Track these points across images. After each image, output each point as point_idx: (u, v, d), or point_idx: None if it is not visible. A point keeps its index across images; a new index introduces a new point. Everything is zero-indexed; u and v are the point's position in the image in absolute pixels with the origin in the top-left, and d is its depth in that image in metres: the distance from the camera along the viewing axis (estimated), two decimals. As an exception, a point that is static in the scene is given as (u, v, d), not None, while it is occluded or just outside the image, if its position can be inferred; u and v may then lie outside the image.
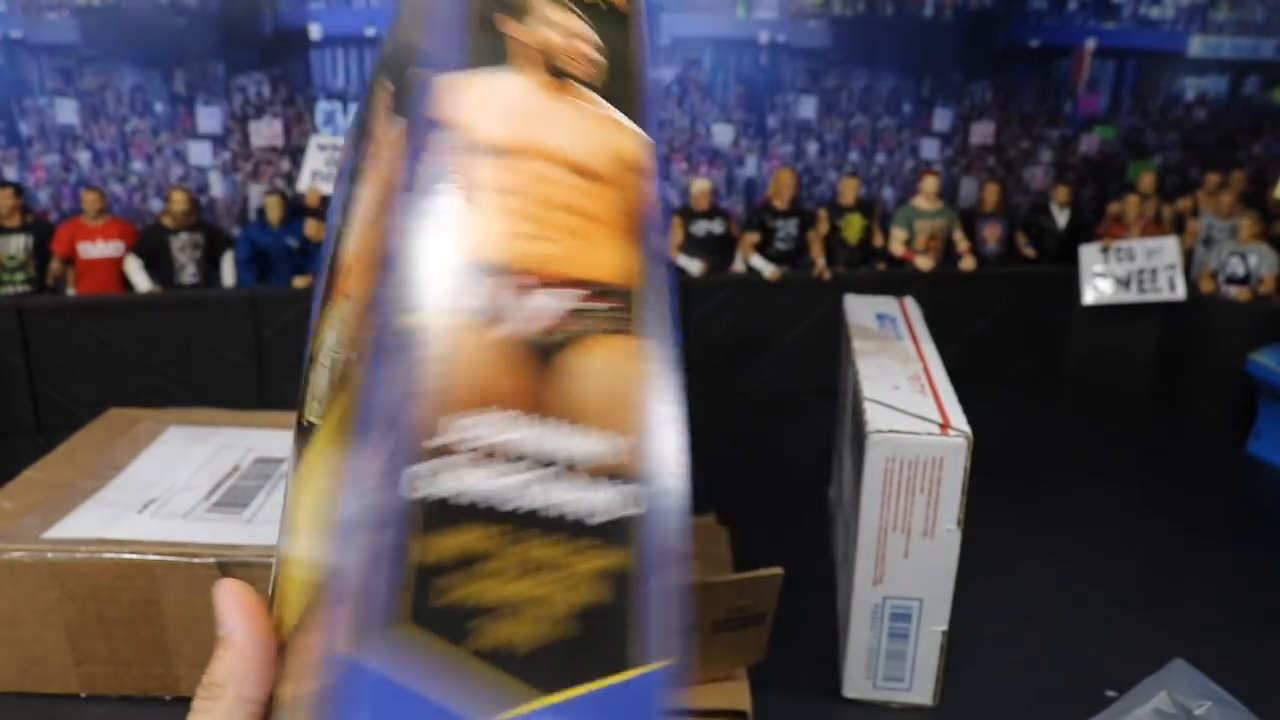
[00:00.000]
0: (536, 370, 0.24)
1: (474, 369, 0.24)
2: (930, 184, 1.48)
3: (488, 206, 0.25)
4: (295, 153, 1.48)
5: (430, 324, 0.24)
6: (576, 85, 0.27)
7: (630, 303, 0.26)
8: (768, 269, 1.43)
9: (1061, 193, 1.54)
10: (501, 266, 0.25)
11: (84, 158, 1.44)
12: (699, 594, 0.68)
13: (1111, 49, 1.62)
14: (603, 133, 0.27)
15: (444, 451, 0.23)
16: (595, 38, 0.28)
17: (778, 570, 0.69)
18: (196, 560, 0.67)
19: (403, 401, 0.23)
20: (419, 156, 0.26)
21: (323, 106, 1.49)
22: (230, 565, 0.67)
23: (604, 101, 0.27)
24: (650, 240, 0.27)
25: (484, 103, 0.26)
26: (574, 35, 0.28)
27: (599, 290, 0.25)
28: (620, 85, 0.28)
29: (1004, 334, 1.51)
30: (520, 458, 0.24)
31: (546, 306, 0.25)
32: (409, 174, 0.26)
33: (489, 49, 0.27)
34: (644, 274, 0.26)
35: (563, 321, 0.25)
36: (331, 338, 0.31)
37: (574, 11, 0.28)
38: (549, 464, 0.24)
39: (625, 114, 0.28)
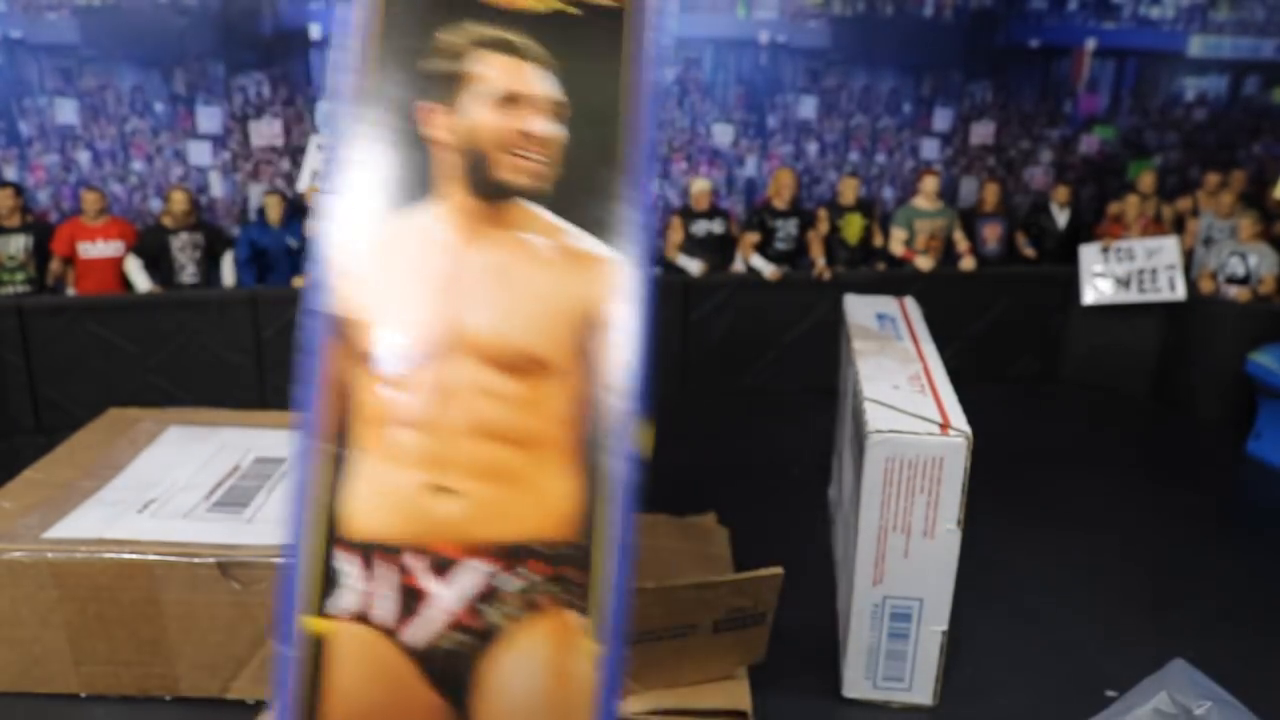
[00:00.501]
0: (453, 690, 0.18)
1: (356, 692, 0.18)
2: (930, 184, 1.48)
3: (381, 451, 0.19)
4: (295, 153, 1.48)
5: (329, 638, 0.18)
6: (517, 207, 0.21)
7: (572, 564, 0.19)
8: (768, 269, 1.43)
9: (1061, 193, 1.54)
10: (399, 544, 0.19)
11: (84, 158, 1.44)
12: (699, 594, 0.68)
13: (1111, 49, 1.62)
14: (549, 291, 0.20)
15: None
16: (552, 94, 0.21)
17: (778, 570, 0.69)
18: (197, 560, 0.67)
19: None
20: (311, 388, 0.19)
21: (323, 106, 1.49)
22: (231, 565, 0.67)
23: (553, 222, 0.20)
24: (614, 439, 0.19)
25: (384, 280, 0.20)
26: (521, 105, 0.21)
27: (530, 554, 0.19)
28: (598, 149, 0.21)
29: (1004, 334, 1.51)
30: None
31: (443, 598, 0.19)
32: (306, 413, 0.19)
33: (409, 171, 0.20)
34: (597, 512, 0.19)
35: (475, 615, 0.19)
36: None
37: (525, 57, 0.21)
38: None
39: (594, 213, 0.20)
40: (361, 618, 0.19)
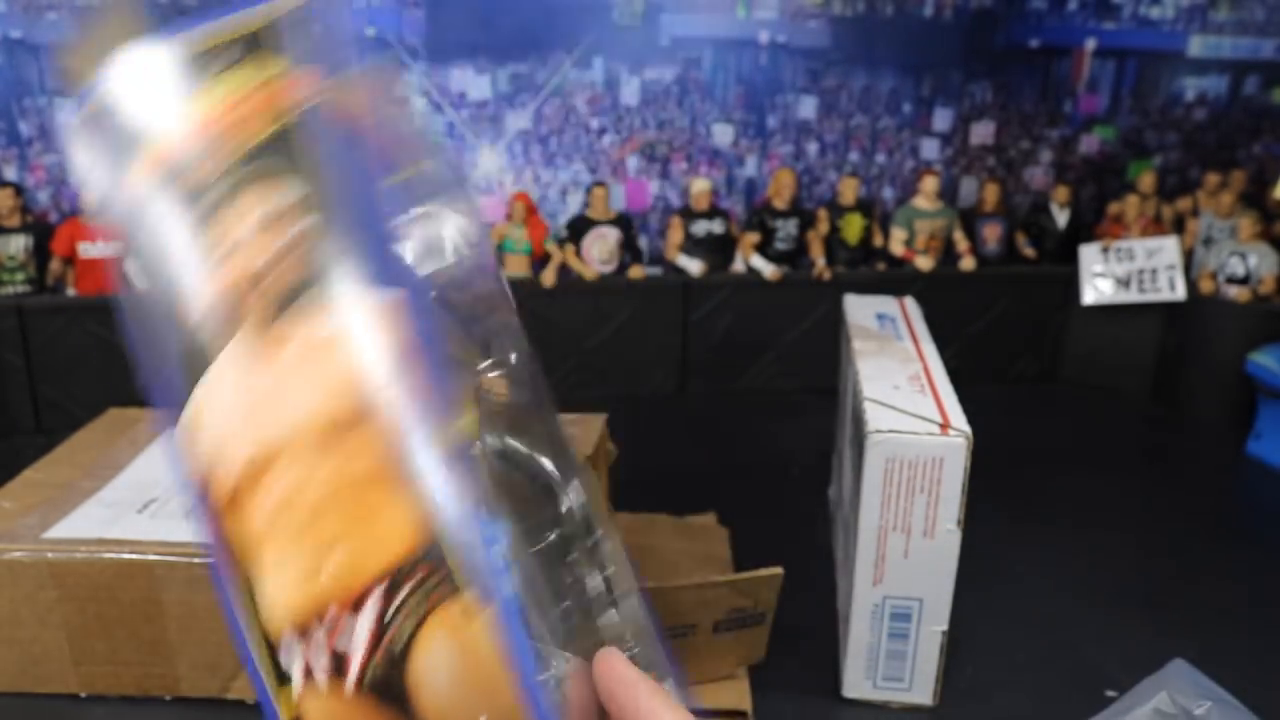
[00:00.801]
0: (401, 703, 0.22)
1: None
2: (930, 184, 1.48)
3: (262, 568, 0.23)
4: (295, 153, 1.48)
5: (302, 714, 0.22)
6: (292, 311, 0.23)
7: (434, 560, 0.22)
8: (768, 269, 1.43)
9: (1061, 193, 1.54)
10: (307, 619, 0.22)
11: (84, 158, 1.44)
12: (699, 594, 0.68)
13: (1111, 49, 1.62)
14: (329, 367, 0.23)
15: None
16: (293, 196, 0.23)
17: (778, 570, 0.69)
18: (197, 560, 0.67)
19: None
20: (204, 528, 0.23)
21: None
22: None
23: (326, 298, 0.23)
24: (425, 450, 0.22)
25: (208, 439, 0.23)
26: (275, 221, 0.23)
27: (404, 570, 0.22)
28: (335, 237, 0.23)
29: (1004, 334, 1.51)
30: None
31: (358, 635, 0.22)
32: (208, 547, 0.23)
33: (202, 336, 0.23)
34: (438, 511, 0.22)
35: (375, 648, 0.22)
36: None
37: (270, 175, 0.24)
38: None
39: (349, 269, 0.23)
40: (311, 683, 0.23)
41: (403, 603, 0.22)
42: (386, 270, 0.23)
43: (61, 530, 0.70)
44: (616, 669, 0.27)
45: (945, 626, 0.71)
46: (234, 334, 0.23)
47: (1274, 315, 1.29)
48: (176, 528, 0.72)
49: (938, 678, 0.73)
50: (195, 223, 0.24)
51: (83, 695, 0.72)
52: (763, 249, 1.46)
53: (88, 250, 1.32)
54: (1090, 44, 1.62)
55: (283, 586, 0.22)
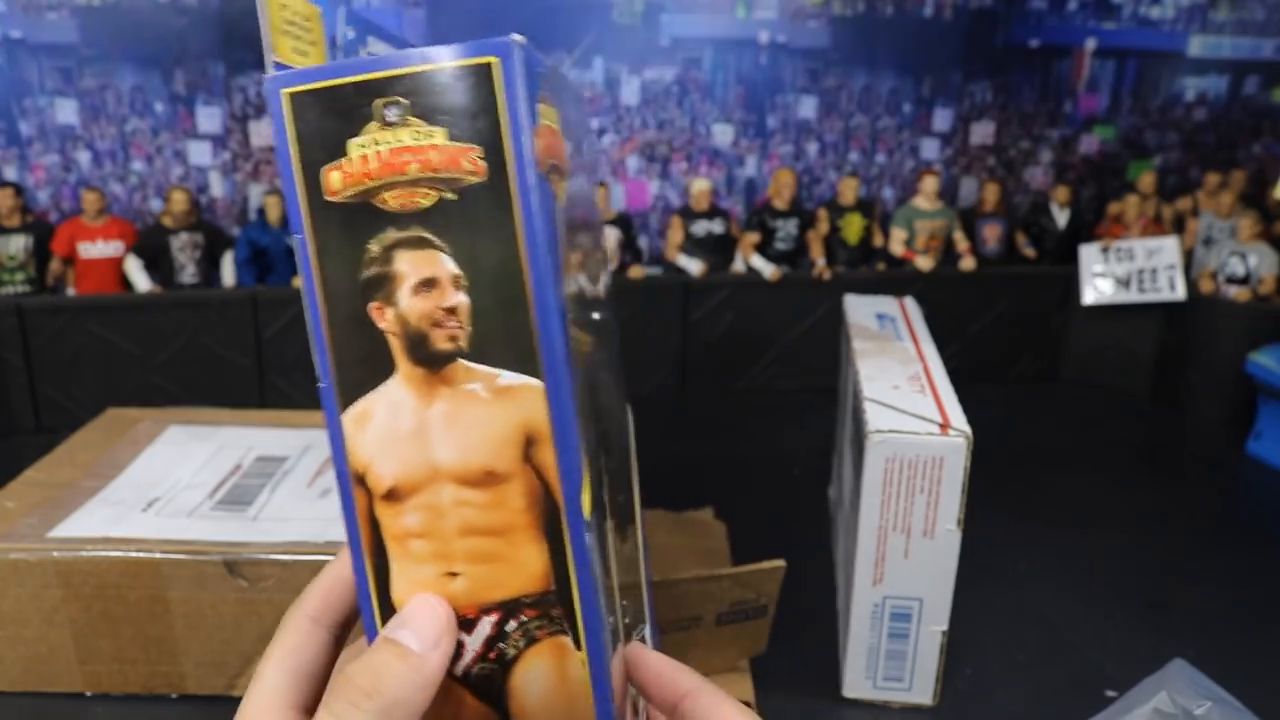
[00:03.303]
0: (495, 700, 0.28)
1: (444, 708, 0.28)
2: (930, 184, 1.48)
3: (406, 557, 0.28)
4: (296, 152, 1.48)
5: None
6: (454, 366, 0.27)
7: (547, 607, 0.28)
8: (768, 269, 1.43)
9: (1061, 193, 1.55)
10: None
11: (84, 158, 1.44)
12: (702, 586, 0.69)
13: (1111, 49, 1.63)
14: (487, 425, 0.27)
15: None
16: (454, 270, 0.27)
17: (780, 563, 0.69)
18: (203, 558, 0.67)
19: None
20: (349, 520, 0.28)
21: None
22: (237, 564, 0.68)
23: (484, 370, 0.27)
24: (570, 513, 0.27)
25: (368, 442, 0.28)
26: (434, 287, 0.27)
27: (522, 605, 0.28)
28: (505, 301, 0.27)
29: (1004, 334, 1.51)
30: None
31: (470, 643, 0.28)
32: (351, 538, 0.28)
33: (362, 364, 0.27)
34: (561, 566, 0.27)
35: (488, 651, 0.28)
36: None
37: (429, 247, 0.27)
38: None
39: (514, 352, 0.27)
40: None
41: (519, 625, 0.28)
42: (546, 354, 0.27)
43: (66, 529, 0.71)
44: (652, 663, 0.31)
45: (945, 626, 0.71)
46: (401, 364, 0.28)
47: (1274, 315, 1.30)
48: (182, 525, 0.72)
49: (938, 678, 0.73)
50: (379, 252, 0.28)
51: (88, 694, 0.72)
52: (763, 249, 1.46)
53: (88, 250, 1.32)
54: (1090, 44, 1.62)
55: (418, 579, 0.28)
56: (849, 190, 1.49)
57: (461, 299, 0.27)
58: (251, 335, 1.33)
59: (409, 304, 0.27)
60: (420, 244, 0.27)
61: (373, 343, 0.27)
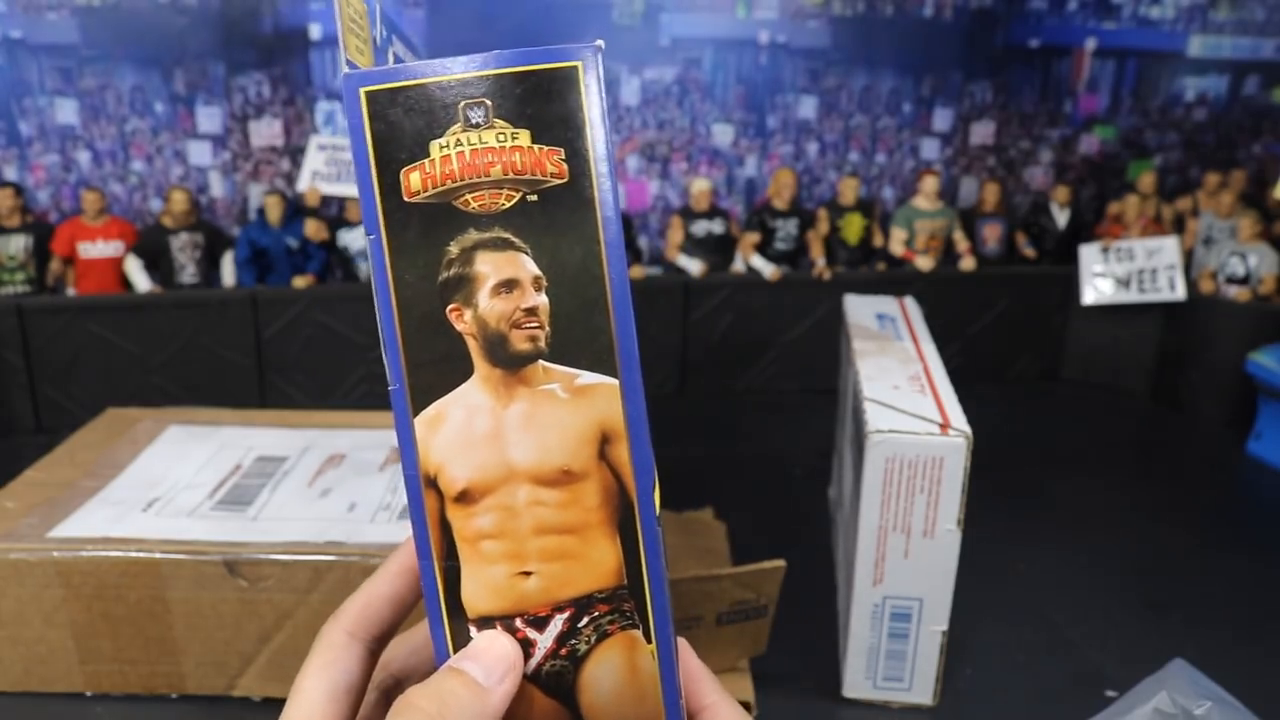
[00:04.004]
0: (565, 697, 0.29)
1: (516, 710, 0.29)
2: (930, 184, 1.48)
3: (478, 558, 0.28)
4: (295, 153, 1.48)
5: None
6: (533, 367, 0.28)
7: (619, 602, 0.29)
8: (768, 269, 1.43)
9: (1061, 193, 1.55)
10: (505, 614, 0.29)
11: (84, 158, 1.44)
12: (702, 586, 0.69)
13: (1111, 49, 1.63)
14: (565, 424, 0.28)
15: None
16: (535, 271, 0.27)
17: (780, 563, 0.69)
18: (204, 558, 0.67)
19: None
20: (421, 525, 0.28)
21: (323, 106, 1.49)
22: (237, 564, 0.68)
23: (562, 370, 0.28)
24: (643, 508, 0.28)
25: (442, 444, 0.28)
26: (515, 288, 0.27)
27: (594, 600, 0.28)
28: (585, 302, 0.27)
29: (1004, 334, 1.51)
30: None
31: (544, 640, 0.29)
32: (419, 542, 0.29)
33: (437, 366, 0.28)
34: (634, 561, 0.28)
35: (564, 647, 0.29)
36: None
37: (509, 248, 0.27)
38: None
39: (592, 352, 0.27)
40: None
41: (591, 620, 0.28)
42: (622, 354, 0.28)
43: (66, 529, 0.71)
44: (687, 662, 0.31)
45: (945, 626, 0.71)
46: (479, 365, 0.28)
47: (1274, 315, 1.30)
48: (182, 526, 0.72)
49: (938, 678, 0.73)
50: (459, 256, 0.28)
51: (88, 694, 0.72)
52: (763, 249, 1.46)
53: (88, 250, 1.32)
54: (1090, 44, 1.62)
55: (486, 584, 0.28)
56: (849, 190, 1.49)
57: (542, 300, 0.27)
58: (251, 335, 1.33)
59: (489, 305, 0.27)
60: (501, 245, 0.27)
61: (450, 345, 0.28)
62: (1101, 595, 0.90)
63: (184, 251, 1.35)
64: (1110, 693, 0.75)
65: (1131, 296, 1.42)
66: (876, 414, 0.70)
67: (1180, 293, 1.39)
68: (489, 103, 0.27)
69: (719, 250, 1.46)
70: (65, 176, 1.44)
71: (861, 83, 1.58)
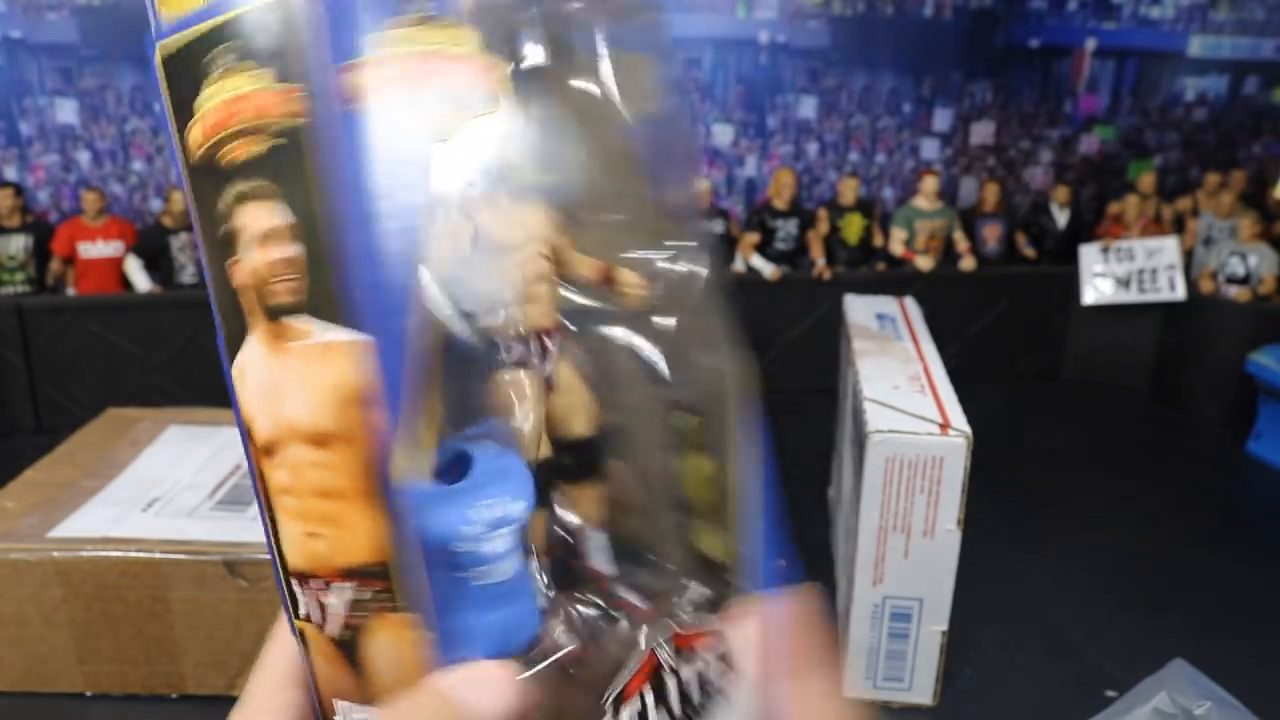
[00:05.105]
0: (355, 663, 0.26)
1: (324, 668, 0.27)
2: (930, 184, 1.48)
3: (282, 512, 0.27)
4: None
5: (304, 633, 0.27)
6: (298, 321, 0.26)
7: (386, 579, 0.26)
8: (768, 269, 1.43)
9: (1061, 193, 1.55)
10: (306, 573, 0.27)
11: (84, 158, 1.44)
12: None
13: (1111, 49, 1.63)
14: (319, 377, 0.26)
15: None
16: (290, 219, 0.25)
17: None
18: (204, 558, 0.67)
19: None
20: (251, 473, 0.26)
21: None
22: (237, 564, 0.68)
23: (312, 322, 0.26)
24: (392, 488, 0.25)
25: (249, 398, 0.26)
26: (271, 239, 0.25)
27: (362, 575, 0.26)
28: (327, 264, 0.25)
29: (1004, 334, 1.51)
30: None
31: (334, 606, 0.26)
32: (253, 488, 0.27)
33: (236, 319, 0.26)
34: (393, 537, 0.25)
35: (348, 617, 0.26)
36: None
37: (265, 193, 0.26)
38: None
39: (345, 305, 0.26)
40: (308, 620, 0.27)
41: (363, 597, 0.26)
42: (367, 311, 0.26)
43: (66, 529, 0.71)
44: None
45: (945, 626, 0.71)
46: (255, 319, 0.26)
47: (1274, 315, 1.30)
48: (182, 526, 0.72)
49: (938, 678, 0.73)
50: (224, 204, 0.27)
51: (88, 694, 0.72)
52: (763, 249, 1.46)
53: (88, 250, 1.32)
54: (1090, 44, 1.62)
55: (291, 537, 0.26)
56: (849, 190, 1.49)
57: (297, 250, 0.26)
58: (251, 335, 1.33)
59: (252, 257, 0.28)
60: (257, 195, 0.27)
61: (235, 299, 0.26)
62: (1101, 595, 0.90)
63: (184, 251, 1.35)
64: (1110, 693, 0.75)
65: (1131, 296, 1.43)
66: (876, 414, 0.70)
67: (1180, 293, 1.39)
68: (237, 46, 0.26)
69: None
70: (65, 176, 1.44)
71: (861, 83, 1.58)
